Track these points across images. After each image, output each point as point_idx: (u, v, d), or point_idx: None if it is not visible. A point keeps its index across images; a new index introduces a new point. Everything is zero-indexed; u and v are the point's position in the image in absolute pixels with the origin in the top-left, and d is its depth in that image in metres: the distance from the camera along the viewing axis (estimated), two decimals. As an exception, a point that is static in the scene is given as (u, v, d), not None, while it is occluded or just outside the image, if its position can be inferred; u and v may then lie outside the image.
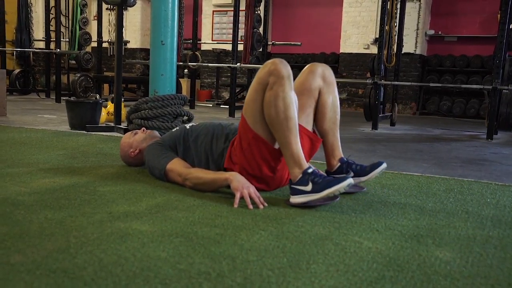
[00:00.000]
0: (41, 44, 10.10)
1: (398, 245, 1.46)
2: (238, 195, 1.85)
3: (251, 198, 1.85)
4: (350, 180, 1.80)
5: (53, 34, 8.13)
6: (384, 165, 2.14)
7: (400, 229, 1.62)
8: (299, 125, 1.96)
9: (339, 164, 2.19)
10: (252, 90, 1.97)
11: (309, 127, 2.14)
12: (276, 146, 1.96)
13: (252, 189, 1.88)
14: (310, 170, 1.86)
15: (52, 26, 8.19)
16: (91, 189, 1.99)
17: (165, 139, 2.27)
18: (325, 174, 1.95)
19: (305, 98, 2.10)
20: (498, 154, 3.91)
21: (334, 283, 1.16)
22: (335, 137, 2.19)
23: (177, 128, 2.32)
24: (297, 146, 1.88)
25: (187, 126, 2.28)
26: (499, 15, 5.17)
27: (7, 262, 1.19)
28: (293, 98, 1.89)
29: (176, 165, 2.11)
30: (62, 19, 8.43)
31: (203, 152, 2.14)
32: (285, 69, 1.88)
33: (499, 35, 4.99)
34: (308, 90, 2.11)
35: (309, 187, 1.83)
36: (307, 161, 1.97)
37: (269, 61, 1.93)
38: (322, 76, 2.15)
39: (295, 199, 1.86)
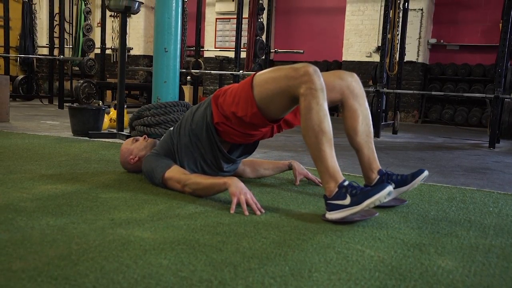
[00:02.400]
0: (45, 51, 10.16)
1: (400, 253, 1.46)
2: (235, 201, 1.84)
3: (248, 204, 1.84)
4: (390, 188, 1.69)
5: (56, 41, 8.18)
6: (426, 173, 2.02)
7: (402, 238, 1.62)
8: None
9: (378, 176, 2.06)
10: (275, 80, 1.88)
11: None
12: (269, 117, 1.97)
13: (250, 195, 1.87)
14: (346, 183, 1.75)
15: (56, 32, 8.25)
16: (93, 196, 1.99)
17: (158, 148, 2.27)
18: (361, 186, 1.84)
19: None
20: (500, 162, 3.91)
21: (336, 291, 1.16)
22: (370, 150, 2.07)
23: (164, 134, 2.33)
24: (332, 160, 1.78)
25: (171, 128, 2.31)
26: (501, 24, 5.18)
27: (8, 269, 1.19)
28: (327, 110, 1.80)
29: (175, 172, 2.10)
30: (66, 25, 8.49)
31: (189, 130, 2.14)
32: (319, 81, 1.79)
33: (501, 44, 5.00)
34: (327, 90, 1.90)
35: (347, 201, 1.71)
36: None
37: (302, 66, 1.81)
38: (348, 87, 2.05)
39: (333, 215, 1.74)
